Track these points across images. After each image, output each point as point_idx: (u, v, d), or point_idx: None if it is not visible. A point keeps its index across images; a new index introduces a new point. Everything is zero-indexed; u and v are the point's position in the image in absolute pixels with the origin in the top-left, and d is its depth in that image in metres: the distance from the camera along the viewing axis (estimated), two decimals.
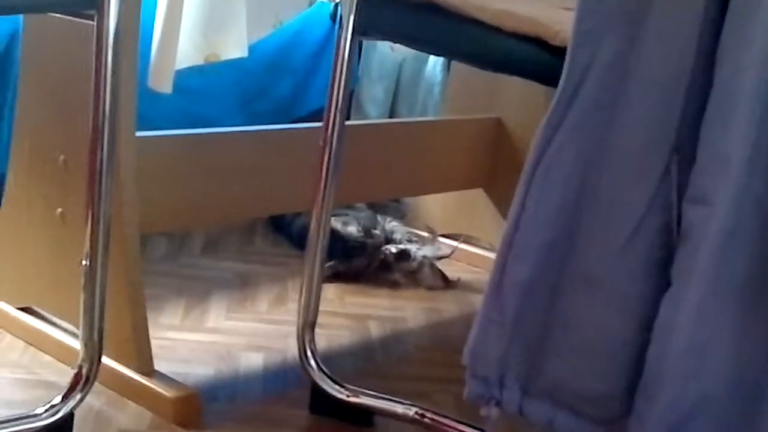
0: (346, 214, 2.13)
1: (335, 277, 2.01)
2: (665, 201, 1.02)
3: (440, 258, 2.11)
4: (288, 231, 2.24)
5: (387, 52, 2.53)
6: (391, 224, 2.15)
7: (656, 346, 1.02)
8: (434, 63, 2.52)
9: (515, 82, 2.08)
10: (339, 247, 2.02)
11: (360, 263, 2.04)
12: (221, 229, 2.27)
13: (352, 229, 2.08)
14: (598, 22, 1.03)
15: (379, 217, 2.16)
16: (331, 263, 1.98)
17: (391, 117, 2.57)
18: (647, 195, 1.03)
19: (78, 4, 1.19)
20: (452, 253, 2.14)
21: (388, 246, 2.08)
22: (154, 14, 1.53)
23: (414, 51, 2.46)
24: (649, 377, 1.03)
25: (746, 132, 0.96)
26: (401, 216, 2.31)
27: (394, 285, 2.05)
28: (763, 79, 0.96)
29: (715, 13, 0.98)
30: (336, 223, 2.07)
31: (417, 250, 2.07)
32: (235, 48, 1.61)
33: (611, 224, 1.05)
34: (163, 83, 1.51)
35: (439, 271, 2.08)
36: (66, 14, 1.33)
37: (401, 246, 2.07)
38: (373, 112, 2.53)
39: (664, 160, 1.02)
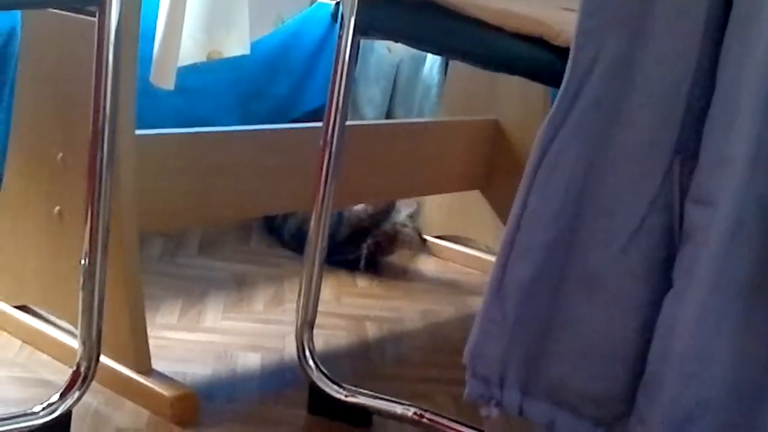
0: None
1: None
2: (667, 201, 1.03)
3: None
4: (279, 232, 2.23)
5: (384, 53, 2.53)
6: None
7: (658, 346, 1.02)
8: (431, 64, 2.51)
9: (513, 83, 2.08)
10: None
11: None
12: (217, 229, 2.26)
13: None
14: (600, 22, 1.03)
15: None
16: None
17: (387, 118, 2.57)
18: (649, 195, 1.03)
19: (79, 0, 1.19)
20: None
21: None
22: (155, 11, 1.53)
23: (411, 52, 2.47)
24: (651, 377, 1.03)
25: (749, 132, 0.96)
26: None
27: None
28: (765, 80, 0.96)
29: (718, 14, 0.98)
30: None
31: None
32: (237, 45, 1.61)
33: (613, 224, 1.05)
34: (165, 79, 1.51)
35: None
36: (66, 10, 1.32)
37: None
38: (370, 113, 2.52)
39: (666, 160, 1.02)
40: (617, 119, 1.03)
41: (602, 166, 1.04)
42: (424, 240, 2.14)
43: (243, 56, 1.71)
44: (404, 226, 2.11)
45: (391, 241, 2.11)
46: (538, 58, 1.15)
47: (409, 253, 2.10)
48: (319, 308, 1.46)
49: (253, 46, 1.76)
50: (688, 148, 1.01)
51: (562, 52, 1.08)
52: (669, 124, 1.02)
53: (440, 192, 2.22)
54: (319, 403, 1.44)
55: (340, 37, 1.33)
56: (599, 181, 1.05)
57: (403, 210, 2.14)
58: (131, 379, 1.42)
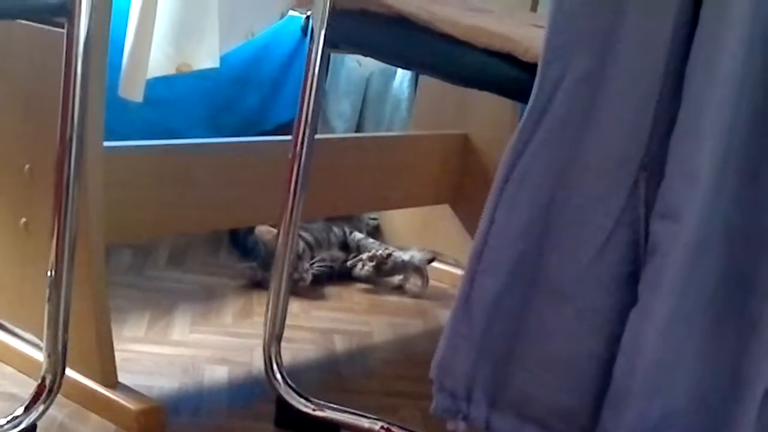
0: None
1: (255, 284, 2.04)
2: (633, 216, 1.03)
3: (429, 261, 2.16)
4: (243, 245, 2.22)
5: (354, 67, 2.53)
6: (355, 236, 2.17)
7: (623, 361, 1.03)
8: (402, 78, 2.52)
9: (483, 98, 2.09)
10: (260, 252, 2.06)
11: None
12: (186, 241, 2.25)
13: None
14: (568, 39, 1.04)
15: (335, 229, 2.17)
16: (251, 265, 2.04)
17: (357, 132, 2.57)
18: (616, 210, 1.04)
19: (48, 11, 1.18)
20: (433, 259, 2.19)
21: (360, 256, 2.13)
22: (124, 23, 1.52)
23: (381, 66, 2.47)
24: (616, 392, 1.04)
25: (714, 149, 0.98)
26: (359, 230, 2.30)
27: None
28: (730, 98, 0.97)
29: (684, 32, 0.99)
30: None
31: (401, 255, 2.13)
32: (207, 58, 1.61)
33: (580, 239, 1.05)
34: (134, 92, 1.50)
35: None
36: (35, 21, 1.31)
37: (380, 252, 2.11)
38: (339, 126, 2.53)
39: (632, 176, 1.03)
40: (584, 135, 1.04)
41: (569, 181, 1.05)
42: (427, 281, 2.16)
43: (213, 68, 1.70)
44: (417, 268, 2.14)
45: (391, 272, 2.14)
46: (506, 74, 1.16)
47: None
48: (288, 321, 1.46)
49: (223, 58, 1.76)
50: (654, 163, 1.02)
51: (530, 68, 1.08)
52: (635, 139, 1.03)
53: (409, 206, 2.23)
54: (286, 416, 1.44)
55: (309, 50, 1.34)
56: (566, 196, 1.05)
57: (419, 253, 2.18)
58: (97, 392, 1.41)
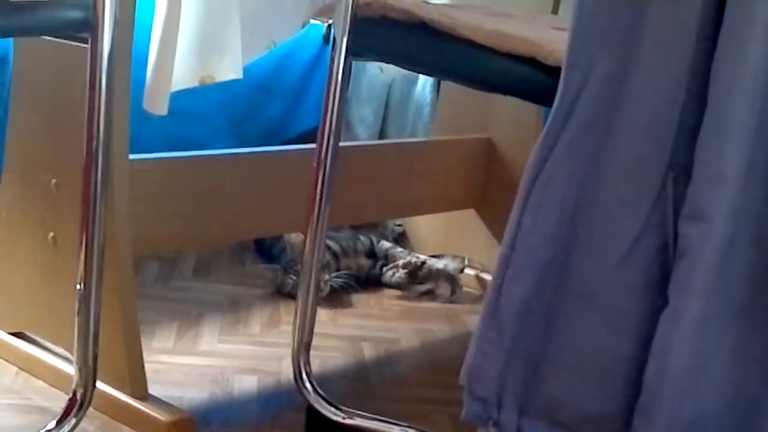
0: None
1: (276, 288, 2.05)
2: (661, 218, 1.03)
3: (461, 270, 2.16)
4: (269, 254, 2.23)
5: (376, 74, 2.53)
6: (383, 245, 2.18)
7: (654, 365, 1.02)
8: (424, 84, 2.52)
9: (505, 102, 2.09)
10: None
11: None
12: (212, 251, 2.26)
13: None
14: (591, 42, 1.03)
15: (362, 237, 2.18)
16: (273, 267, 2.07)
17: (380, 138, 2.57)
18: (643, 213, 1.03)
19: (72, 27, 1.19)
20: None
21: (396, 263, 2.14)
22: (147, 37, 1.53)
23: (403, 72, 2.47)
24: (647, 396, 1.03)
25: (741, 149, 0.97)
26: (385, 237, 2.30)
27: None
28: (757, 97, 0.96)
29: (708, 32, 0.98)
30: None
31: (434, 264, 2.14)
32: (230, 70, 1.61)
33: (607, 242, 1.05)
34: (158, 105, 1.51)
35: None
36: (59, 37, 1.32)
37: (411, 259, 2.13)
38: (362, 133, 2.53)
39: (659, 178, 1.02)
40: (609, 138, 1.04)
41: (596, 184, 1.05)
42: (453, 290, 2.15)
43: (238, 79, 1.71)
44: (450, 276, 2.15)
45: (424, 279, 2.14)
46: (529, 78, 1.16)
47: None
48: (316, 330, 1.46)
49: (246, 68, 1.76)
50: (681, 164, 1.02)
51: (553, 72, 1.08)
52: (661, 141, 1.02)
53: (434, 211, 2.22)
54: (316, 425, 1.44)
55: (332, 58, 1.34)
56: (593, 200, 1.05)
57: (452, 261, 2.19)
58: (128, 404, 1.41)
